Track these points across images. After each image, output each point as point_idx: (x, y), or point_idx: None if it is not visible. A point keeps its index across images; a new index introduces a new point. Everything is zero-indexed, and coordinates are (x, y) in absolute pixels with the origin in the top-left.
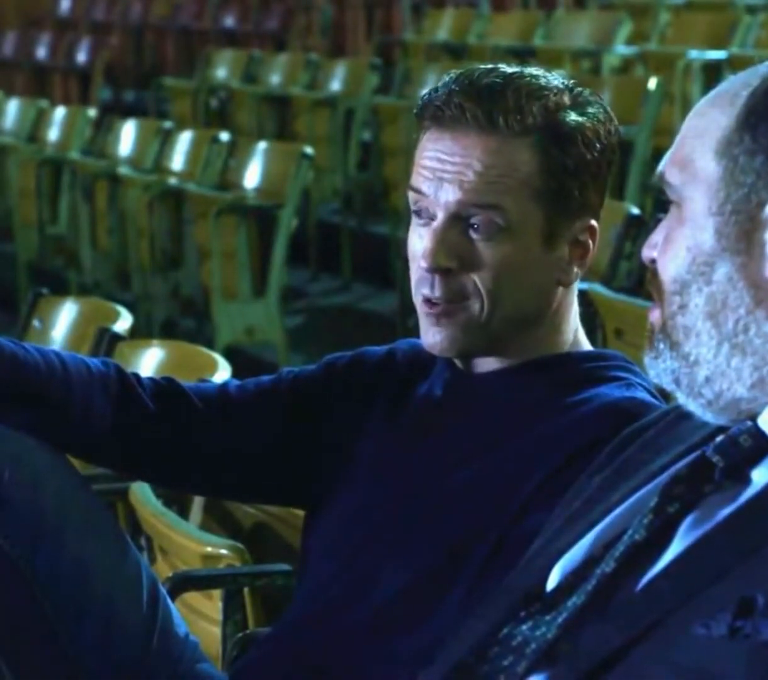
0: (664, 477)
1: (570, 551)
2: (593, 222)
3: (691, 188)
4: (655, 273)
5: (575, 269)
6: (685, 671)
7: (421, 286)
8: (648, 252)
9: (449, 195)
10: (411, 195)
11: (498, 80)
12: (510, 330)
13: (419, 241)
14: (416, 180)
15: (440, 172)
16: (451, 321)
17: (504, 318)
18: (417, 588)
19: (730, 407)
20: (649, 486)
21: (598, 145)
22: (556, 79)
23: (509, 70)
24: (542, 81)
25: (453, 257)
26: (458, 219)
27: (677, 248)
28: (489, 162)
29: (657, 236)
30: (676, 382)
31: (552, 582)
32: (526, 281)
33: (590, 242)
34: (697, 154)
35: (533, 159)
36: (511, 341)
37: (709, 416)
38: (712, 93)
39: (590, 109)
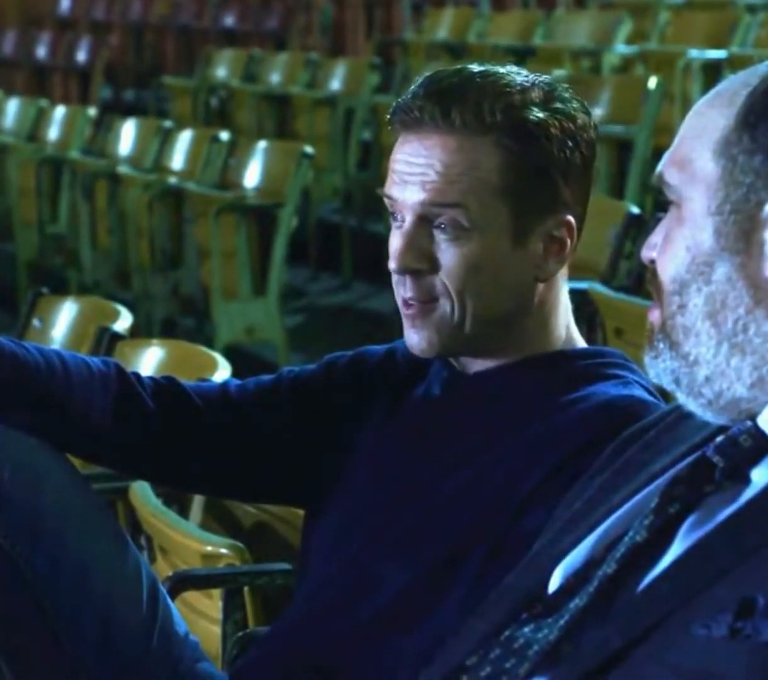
0: (665, 478)
1: (571, 553)
2: (570, 218)
3: (690, 188)
4: (654, 273)
5: (552, 265)
6: (685, 672)
7: (397, 287)
8: (647, 252)
9: (414, 196)
10: (385, 200)
11: (458, 81)
12: (488, 329)
13: (391, 241)
14: (387, 185)
15: (407, 175)
16: (426, 322)
17: (477, 317)
18: (417, 587)
19: (730, 406)
20: (651, 487)
21: (569, 142)
22: (525, 76)
23: (476, 69)
24: (507, 79)
25: (421, 259)
26: (425, 221)
27: (676, 248)
28: (450, 161)
29: (656, 237)
30: (676, 382)
31: (554, 583)
32: (497, 280)
33: (568, 237)
34: (695, 154)
35: (494, 157)
36: (494, 340)
37: (709, 416)
38: (712, 93)
39: (558, 105)
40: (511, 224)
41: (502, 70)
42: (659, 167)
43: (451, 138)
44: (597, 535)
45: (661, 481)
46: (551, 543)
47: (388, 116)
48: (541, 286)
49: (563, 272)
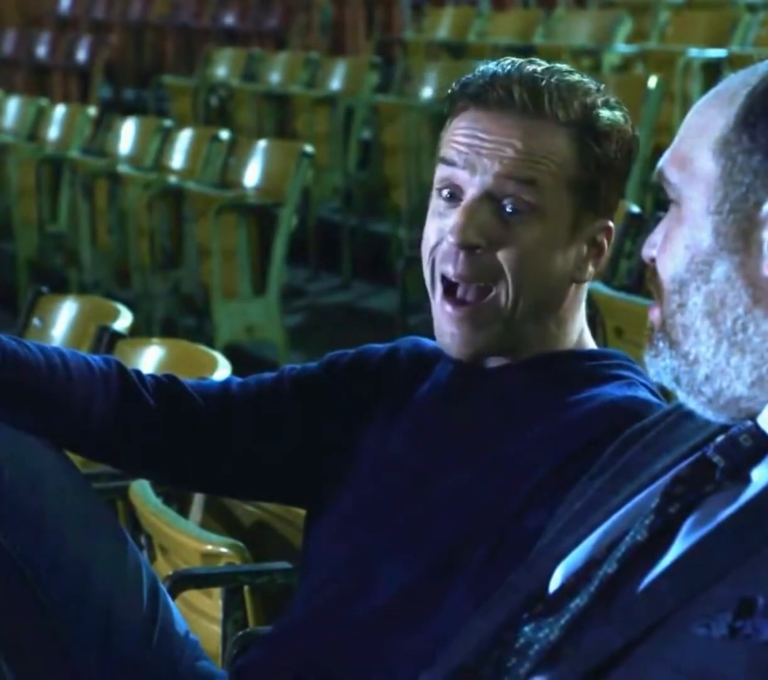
0: (666, 478)
1: (572, 553)
2: (610, 224)
3: (690, 187)
4: (654, 272)
5: (590, 268)
6: (685, 671)
7: (444, 263)
8: (648, 251)
9: (487, 168)
10: (441, 170)
11: (543, 72)
12: (528, 322)
13: (441, 222)
14: (449, 153)
15: (478, 147)
16: (475, 321)
17: (526, 306)
18: (418, 587)
19: (730, 405)
20: (651, 488)
21: (625, 147)
22: (587, 79)
23: (546, 64)
24: (578, 77)
25: (482, 235)
26: (490, 198)
27: (676, 247)
28: (529, 143)
29: (657, 236)
30: (676, 380)
31: (554, 583)
32: (550, 267)
33: (606, 243)
34: (695, 153)
35: (571, 149)
36: (524, 336)
37: (709, 415)
38: (712, 92)
39: (620, 114)
40: (572, 217)
41: (567, 67)
42: (660, 164)
43: (534, 123)
44: (598, 535)
45: (661, 481)
46: (552, 543)
47: (453, 92)
48: (574, 287)
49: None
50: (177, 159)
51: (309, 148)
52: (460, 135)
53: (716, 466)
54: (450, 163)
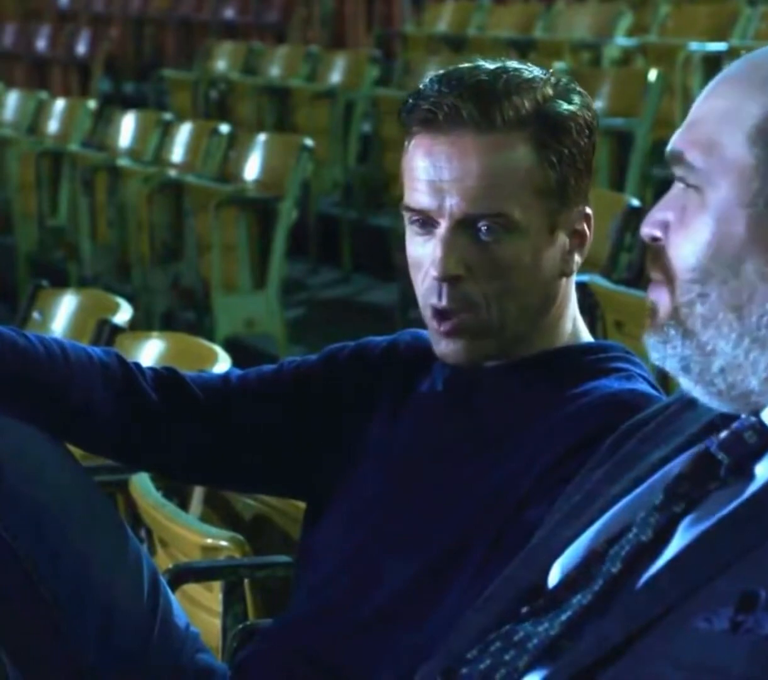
0: (665, 470)
1: (571, 546)
2: (588, 209)
3: (719, 175)
4: (660, 253)
5: (576, 258)
6: (686, 665)
7: (429, 296)
8: (651, 230)
9: (453, 206)
10: (407, 214)
11: (486, 77)
12: (522, 328)
13: (421, 249)
14: (412, 198)
15: (438, 182)
16: (464, 333)
17: (516, 319)
18: (420, 583)
19: (740, 398)
20: (650, 480)
21: (587, 132)
22: (536, 70)
23: (491, 66)
24: (526, 74)
25: (462, 264)
26: (463, 225)
27: (699, 235)
28: (488, 163)
29: (661, 214)
30: (686, 369)
31: (553, 576)
32: (534, 278)
33: (586, 228)
34: (726, 139)
35: (531, 153)
36: (520, 338)
37: (714, 404)
38: (734, 73)
39: (576, 96)
40: (548, 221)
41: (516, 64)
42: (677, 146)
43: (489, 138)
44: (597, 528)
45: (660, 474)
46: (550, 536)
47: (403, 115)
48: (564, 280)
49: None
50: (177, 153)
51: (309, 142)
52: (418, 169)
53: (721, 463)
54: (416, 210)
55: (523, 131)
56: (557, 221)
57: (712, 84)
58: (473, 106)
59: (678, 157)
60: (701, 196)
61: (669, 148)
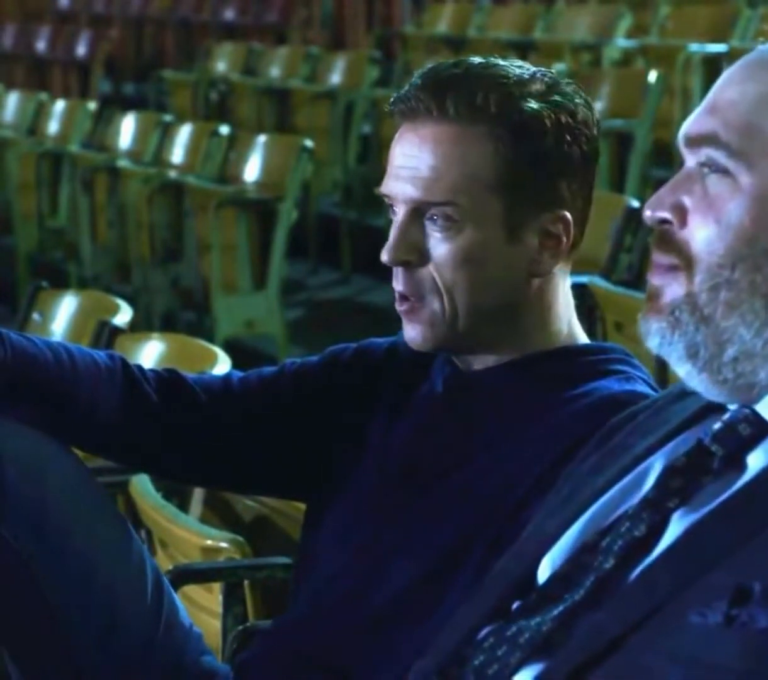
0: (651, 460)
1: (561, 538)
2: (566, 213)
3: (759, 157)
4: (671, 237)
5: (547, 260)
6: (680, 659)
7: (394, 277)
8: (661, 213)
9: (406, 192)
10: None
11: (458, 71)
12: (482, 324)
13: None
14: (384, 179)
15: (400, 168)
16: (418, 317)
17: (468, 312)
18: (420, 584)
19: (742, 389)
20: (637, 469)
21: (567, 136)
22: (526, 69)
23: (476, 61)
24: (506, 71)
25: (412, 251)
26: (417, 214)
27: (730, 218)
28: (441, 153)
29: (672, 196)
30: (693, 355)
31: (544, 569)
32: (487, 273)
33: (564, 233)
34: (766, 122)
35: (487, 149)
36: (491, 336)
37: (713, 393)
38: (761, 58)
39: (557, 98)
40: (503, 217)
41: (502, 62)
42: (705, 128)
43: (445, 128)
44: (586, 519)
45: (647, 463)
46: (538, 528)
47: (389, 107)
48: (537, 281)
49: (564, 267)
50: (177, 153)
51: (309, 143)
52: (392, 155)
53: (714, 455)
54: (384, 194)
55: (479, 127)
56: (520, 220)
57: (734, 69)
58: (432, 98)
59: (710, 139)
60: (732, 178)
61: (691, 131)
